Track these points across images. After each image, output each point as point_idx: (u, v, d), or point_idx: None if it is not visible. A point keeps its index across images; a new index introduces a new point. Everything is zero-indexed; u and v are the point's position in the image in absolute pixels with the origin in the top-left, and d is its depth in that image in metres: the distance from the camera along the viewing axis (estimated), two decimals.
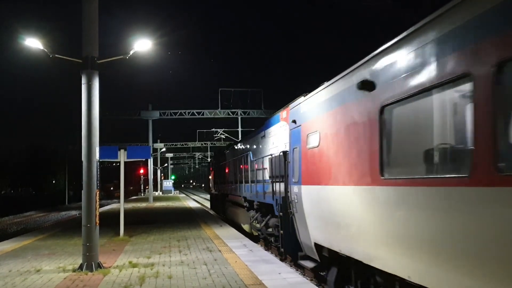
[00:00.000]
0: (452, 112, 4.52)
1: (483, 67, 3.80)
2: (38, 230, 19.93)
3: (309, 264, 8.89)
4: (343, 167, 6.73)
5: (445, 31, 4.44)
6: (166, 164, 78.78)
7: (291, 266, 10.69)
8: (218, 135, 53.86)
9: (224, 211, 24.12)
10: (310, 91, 8.49)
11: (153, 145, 47.74)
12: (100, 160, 9.49)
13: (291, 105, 10.17)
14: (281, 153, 11.13)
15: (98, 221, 9.17)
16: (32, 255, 11.17)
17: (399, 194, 5.17)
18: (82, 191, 9.13)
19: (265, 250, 12.51)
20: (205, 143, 64.63)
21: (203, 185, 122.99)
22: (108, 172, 72.29)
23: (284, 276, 8.02)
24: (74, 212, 41.94)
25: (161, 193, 66.65)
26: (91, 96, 9.16)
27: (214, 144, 62.82)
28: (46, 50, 9.92)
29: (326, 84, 7.75)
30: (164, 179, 77.44)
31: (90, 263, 8.87)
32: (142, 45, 10.93)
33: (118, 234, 14.17)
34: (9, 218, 37.63)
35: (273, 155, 12.39)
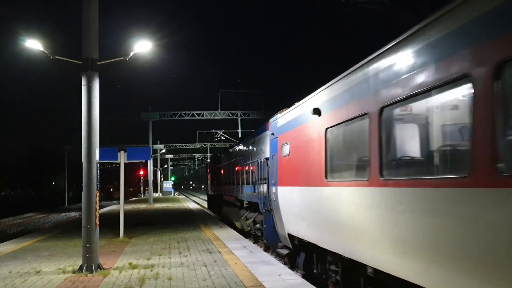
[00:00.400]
0: (363, 136, 6.14)
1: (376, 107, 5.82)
2: (38, 232, 19.92)
3: (284, 251, 10.97)
4: (304, 172, 8.70)
5: (359, 80, 6.43)
6: (166, 166, 78.81)
7: (284, 262, 11.11)
8: (218, 136, 53.88)
9: (220, 210, 26.24)
10: (291, 104, 9.90)
11: (153, 147, 47.76)
12: (100, 162, 9.49)
13: (271, 119, 12.31)
14: (264, 159, 13.22)
15: (98, 223, 9.18)
16: (32, 256, 11.17)
17: (336, 192, 7.16)
18: (82, 192, 9.14)
19: (265, 251, 12.51)
20: (205, 145, 64.63)
21: (203, 187, 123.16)
22: (108, 173, 72.35)
23: (284, 278, 8.02)
24: (74, 214, 41.90)
25: (161, 194, 66.72)
26: (91, 98, 9.17)
27: (214, 145, 62.83)
28: (46, 51, 9.92)
29: (295, 105, 9.71)
30: (164, 180, 77.47)
31: (90, 265, 8.87)
32: (142, 46, 10.93)
33: (118, 235, 14.17)
34: (9, 219, 37.61)
35: (258, 161, 14.48)
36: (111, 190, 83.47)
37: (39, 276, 8.63)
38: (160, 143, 59.29)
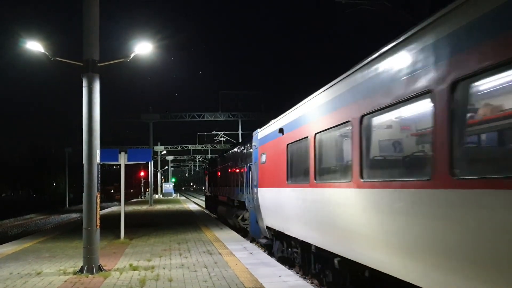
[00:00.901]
0: (307, 151, 8.62)
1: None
2: (38, 233, 19.93)
3: (263, 240, 13.33)
4: (275, 176, 11.29)
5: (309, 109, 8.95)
6: (166, 167, 78.79)
7: (262, 249, 12.80)
8: (219, 137, 53.87)
9: (215, 209, 28.74)
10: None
11: (153, 148, 47.74)
12: (101, 163, 9.49)
13: (254, 132, 14.89)
14: (250, 165, 15.73)
15: (98, 224, 9.18)
16: (32, 257, 11.18)
17: (293, 191, 9.68)
18: (83, 193, 9.14)
19: (265, 252, 12.50)
20: (205, 146, 64.64)
21: (203, 188, 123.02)
22: (109, 174, 72.31)
23: (285, 279, 8.02)
24: (74, 215, 41.92)
25: (161, 195, 66.66)
26: (92, 99, 9.18)
27: (215, 146, 62.85)
28: (47, 53, 9.94)
29: (270, 123, 12.40)
30: (165, 181, 77.44)
31: (90, 266, 8.87)
32: (143, 48, 10.94)
33: (119, 236, 14.18)
34: (10, 220, 37.63)
35: (245, 166, 17.11)
36: (112, 191, 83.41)
37: (40, 278, 8.64)
38: (161, 145, 59.27)
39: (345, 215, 6.89)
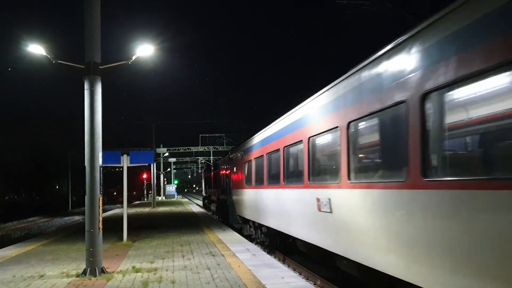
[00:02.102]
0: (262, 165, 13.37)
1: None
2: (41, 236, 19.94)
3: (236, 225, 19.59)
4: (240, 181, 16.64)
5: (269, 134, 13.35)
6: (169, 169, 78.78)
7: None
8: (221, 140, 53.88)
9: (209, 207, 35.56)
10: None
11: (156, 150, 47.77)
12: (103, 165, 9.50)
13: (231, 148, 23.03)
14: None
15: (101, 226, 9.18)
16: (35, 260, 11.19)
17: (251, 190, 14.99)
18: (85, 196, 9.15)
19: (268, 254, 12.49)
20: (208, 148, 64.65)
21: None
22: (111, 177, 72.36)
23: (287, 280, 8.01)
24: (77, 217, 41.98)
25: (164, 197, 66.64)
26: (94, 102, 9.19)
27: (217, 148, 62.84)
28: (49, 56, 9.96)
29: (234, 148, 19.64)
30: (167, 183, 77.43)
31: (93, 268, 8.88)
32: (144, 50, 10.96)
33: (121, 239, 14.18)
34: (13, 223, 37.72)
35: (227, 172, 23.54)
36: (114, 193, 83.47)
37: (43, 280, 8.65)
38: (163, 147, 59.29)
39: (278, 205, 11.84)
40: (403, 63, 5.60)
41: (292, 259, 13.01)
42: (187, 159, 79.88)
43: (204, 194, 44.31)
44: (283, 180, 11.21)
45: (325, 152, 8.89)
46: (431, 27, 5.08)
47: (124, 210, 14.68)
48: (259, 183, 14.02)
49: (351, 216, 7.03)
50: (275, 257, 13.16)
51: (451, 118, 4.99)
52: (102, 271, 9.01)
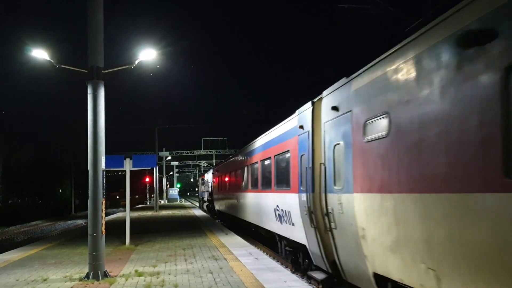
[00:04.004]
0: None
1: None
2: (44, 239, 19.99)
3: (215, 216, 30.71)
4: (219, 187, 28.95)
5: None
6: (171, 173, 78.86)
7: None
8: (224, 143, 53.98)
9: (202, 205, 47.35)
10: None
11: (158, 154, 47.84)
12: (106, 169, 9.54)
13: (213, 166, 41.78)
14: (211, 181, 34.42)
15: (104, 230, 9.21)
16: (39, 264, 11.22)
17: (222, 194, 27.04)
18: (88, 200, 9.18)
19: (270, 258, 12.51)
20: (210, 151, 64.69)
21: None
22: (114, 180, 72.50)
23: (290, 285, 8.00)
24: (80, 221, 42.03)
25: (166, 201, 66.67)
26: (97, 106, 9.24)
27: (219, 152, 62.89)
28: (52, 60, 10.03)
29: (212, 167, 39.16)
30: (170, 187, 77.47)
31: (96, 272, 8.90)
32: (147, 54, 11.02)
33: (124, 242, 14.20)
34: (16, 227, 37.78)
35: (210, 181, 35.72)
36: (117, 197, 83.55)
37: (46, 284, 8.67)
38: (166, 150, 59.38)
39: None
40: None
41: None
42: (190, 162, 80.00)
43: (199, 196, 56.94)
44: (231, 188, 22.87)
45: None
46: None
47: (127, 214, 14.71)
48: (224, 190, 25.90)
49: None
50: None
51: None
52: (105, 275, 9.02)
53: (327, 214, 7.96)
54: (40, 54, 10.04)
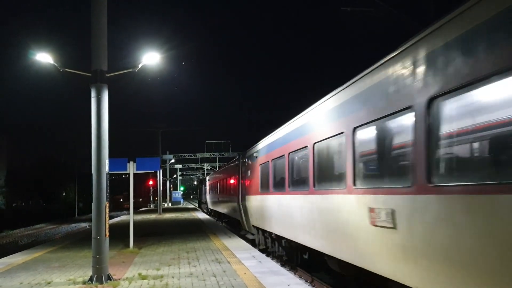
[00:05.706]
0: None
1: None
2: (48, 243, 20.03)
3: (208, 213, 39.95)
4: (211, 191, 38.39)
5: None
6: (175, 175, 78.90)
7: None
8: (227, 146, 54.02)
9: (201, 206, 53.74)
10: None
11: (162, 157, 47.93)
12: (110, 172, 9.55)
13: (208, 176, 48.78)
14: (207, 186, 43.44)
15: (107, 233, 9.22)
16: (43, 267, 11.24)
17: (212, 197, 37.58)
18: (92, 203, 9.19)
19: (274, 261, 12.48)
20: (213, 154, 64.74)
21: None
22: (118, 183, 72.57)
23: None
24: (84, 224, 42.13)
25: (170, 204, 66.73)
26: (101, 109, 9.25)
27: (223, 154, 62.91)
28: (56, 64, 10.07)
29: (208, 176, 47.66)
30: (173, 190, 77.53)
31: (100, 275, 8.90)
32: (151, 58, 11.05)
33: (128, 246, 14.21)
34: (20, 230, 37.93)
35: (205, 186, 45.95)
36: (121, 200, 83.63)
37: (50, 287, 8.68)
38: (169, 153, 59.46)
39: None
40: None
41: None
42: (193, 165, 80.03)
43: (199, 199, 62.90)
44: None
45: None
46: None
47: (131, 217, 14.72)
48: (215, 193, 32.98)
49: None
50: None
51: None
52: (109, 278, 9.03)
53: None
54: (44, 57, 10.09)
